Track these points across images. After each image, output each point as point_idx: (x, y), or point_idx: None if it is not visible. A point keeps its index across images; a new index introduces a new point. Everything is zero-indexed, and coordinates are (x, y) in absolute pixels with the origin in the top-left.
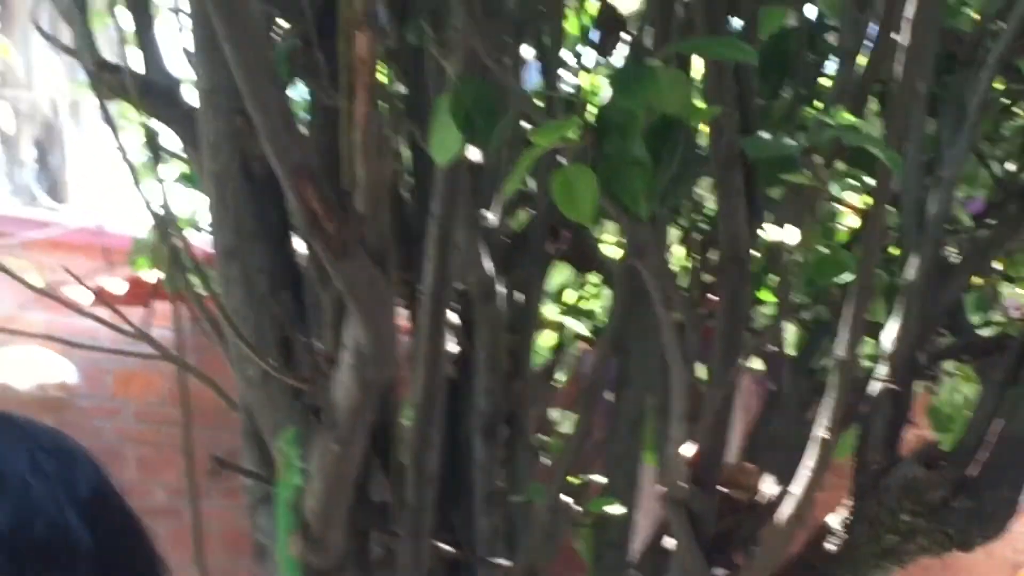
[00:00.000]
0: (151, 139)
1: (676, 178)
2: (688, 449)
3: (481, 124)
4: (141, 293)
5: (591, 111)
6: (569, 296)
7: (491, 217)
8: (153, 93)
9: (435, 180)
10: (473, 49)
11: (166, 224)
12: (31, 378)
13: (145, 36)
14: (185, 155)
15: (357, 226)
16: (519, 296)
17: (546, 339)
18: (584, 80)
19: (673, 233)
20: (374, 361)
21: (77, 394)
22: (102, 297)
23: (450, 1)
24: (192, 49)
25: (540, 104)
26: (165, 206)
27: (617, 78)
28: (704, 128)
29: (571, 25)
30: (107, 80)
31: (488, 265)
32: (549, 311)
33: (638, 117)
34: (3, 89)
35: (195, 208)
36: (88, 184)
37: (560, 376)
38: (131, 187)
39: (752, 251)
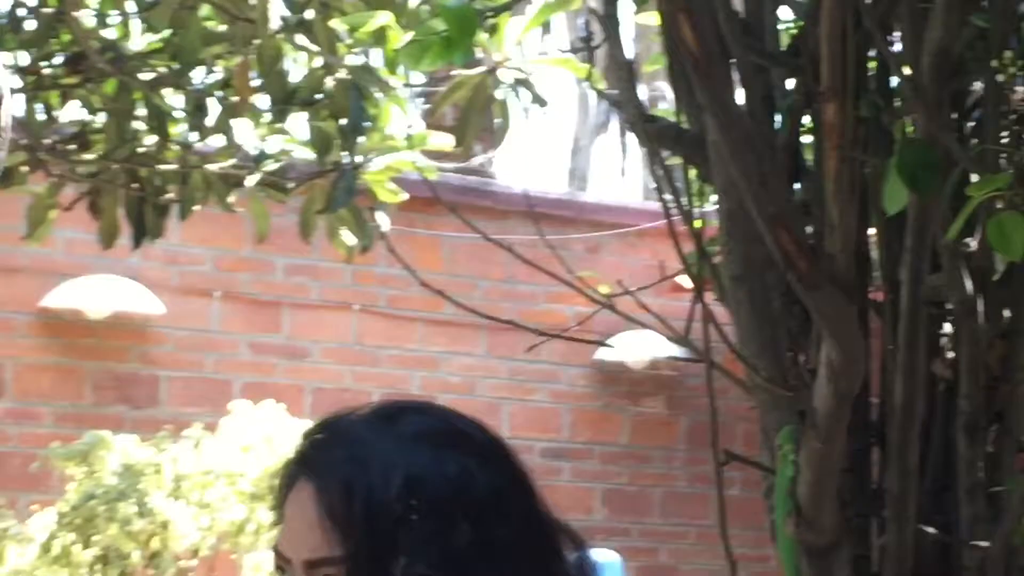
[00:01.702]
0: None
1: None
2: None
3: (925, 180)
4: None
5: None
6: None
7: (972, 244)
8: (684, 140)
9: (908, 219)
10: (919, 119)
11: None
12: (643, 355)
13: (683, 92)
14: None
15: (827, 264)
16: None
17: None
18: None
19: None
20: (845, 375)
21: (687, 373)
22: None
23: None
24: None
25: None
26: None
27: None
28: None
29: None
30: (647, 129)
31: (968, 285)
32: None
33: None
34: None
35: None
36: None
37: None
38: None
39: None
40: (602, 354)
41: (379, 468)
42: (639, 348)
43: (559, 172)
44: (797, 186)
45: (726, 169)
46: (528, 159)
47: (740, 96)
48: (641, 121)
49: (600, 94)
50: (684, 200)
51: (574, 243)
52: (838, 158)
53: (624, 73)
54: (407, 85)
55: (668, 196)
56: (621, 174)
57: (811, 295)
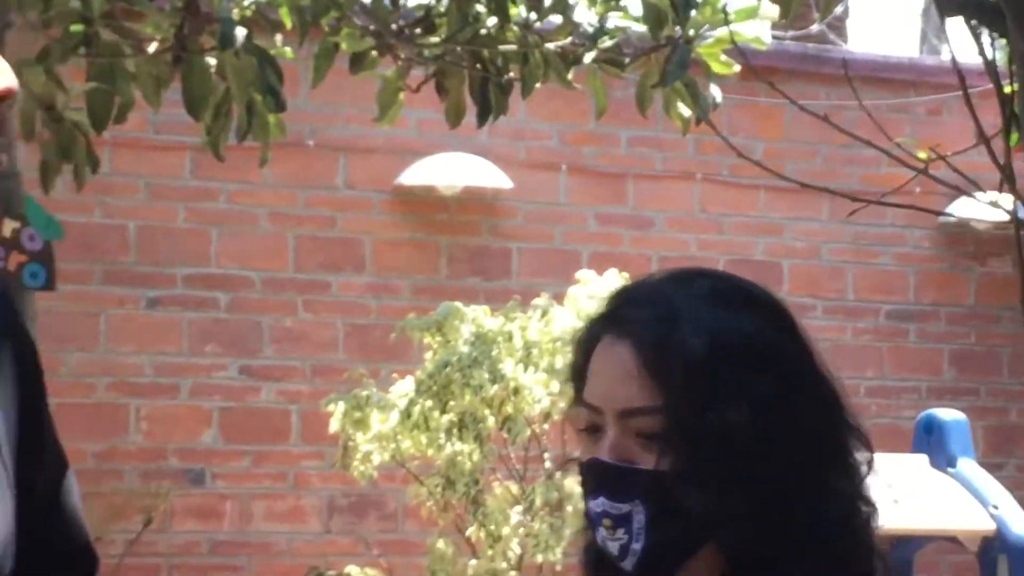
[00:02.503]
0: None
1: None
2: None
3: None
4: None
5: None
6: None
7: None
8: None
9: None
10: None
11: None
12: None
13: None
14: None
15: None
16: None
17: None
18: None
19: None
20: None
21: None
22: None
23: None
24: None
25: None
26: None
27: None
28: None
29: None
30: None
31: None
32: None
33: None
34: None
35: None
36: None
37: None
38: None
39: None
40: (948, 215)
41: (687, 325)
42: (980, 209)
43: (911, 35)
44: None
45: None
46: (879, 24)
47: None
48: None
49: None
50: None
51: (916, 106)
52: None
53: None
54: None
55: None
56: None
57: None
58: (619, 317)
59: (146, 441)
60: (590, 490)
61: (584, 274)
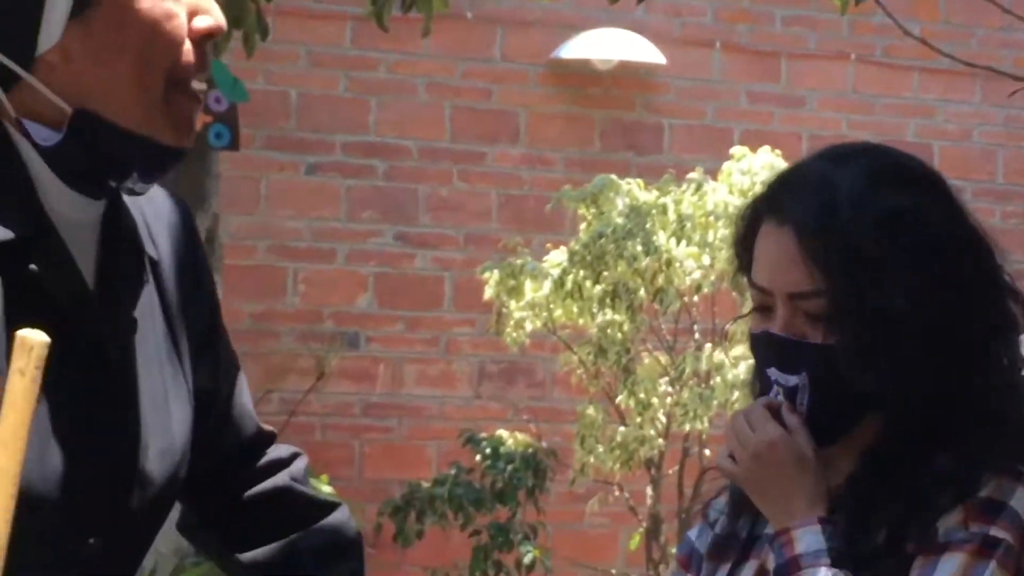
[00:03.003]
0: None
1: None
2: None
3: None
4: None
5: None
6: None
7: None
8: None
9: None
10: None
11: None
12: None
13: None
14: None
15: None
16: None
17: None
18: None
19: None
20: None
21: None
22: None
23: None
24: None
25: None
26: None
27: None
28: None
29: None
30: None
31: None
32: None
33: None
34: None
35: None
36: None
37: None
38: None
39: None
40: None
41: (847, 210)
42: None
43: None
44: None
45: None
46: None
47: None
48: None
49: None
50: None
51: None
52: None
53: None
54: None
55: None
56: None
57: None
58: (780, 202)
59: (303, 304)
60: (761, 361)
61: (738, 150)
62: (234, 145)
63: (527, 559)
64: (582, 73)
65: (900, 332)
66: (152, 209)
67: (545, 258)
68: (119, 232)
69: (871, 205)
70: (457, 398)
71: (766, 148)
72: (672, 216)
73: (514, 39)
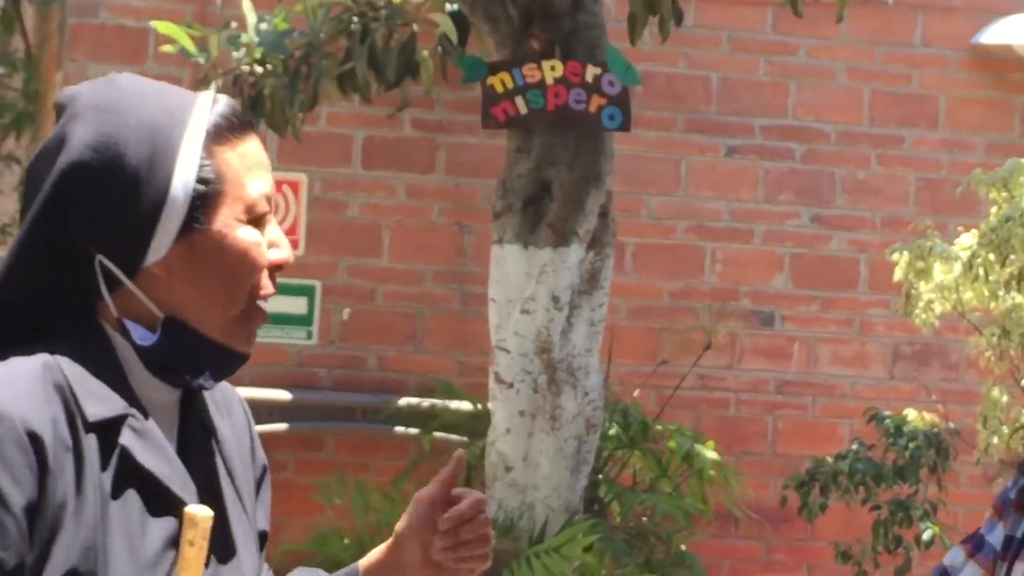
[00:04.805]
0: None
1: None
2: None
3: None
4: None
5: None
6: None
7: None
8: None
9: None
10: None
11: None
12: None
13: None
14: None
15: None
16: None
17: None
18: None
19: None
20: None
21: None
22: None
23: None
24: None
25: None
26: None
27: None
28: None
29: None
30: None
31: None
32: None
33: None
34: None
35: None
36: None
37: None
38: None
39: None
40: None
41: None
42: None
43: None
44: None
45: None
46: None
47: None
48: None
49: None
50: None
51: None
52: None
53: None
54: None
55: None
56: None
57: None
58: None
59: (719, 282)
60: None
61: None
62: (626, 126)
63: (926, 535)
64: (1004, 59)
65: None
66: (213, 395)
67: (956, 240)
68: (193, 415)
69: None
70: (870, 378)
71: None
72: None
73: (935, 24)
